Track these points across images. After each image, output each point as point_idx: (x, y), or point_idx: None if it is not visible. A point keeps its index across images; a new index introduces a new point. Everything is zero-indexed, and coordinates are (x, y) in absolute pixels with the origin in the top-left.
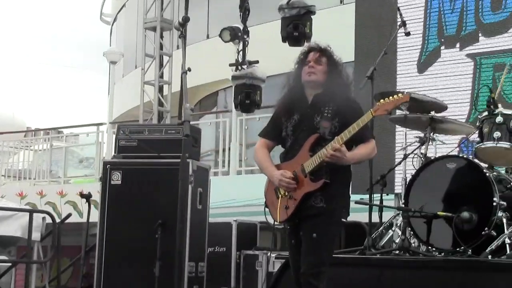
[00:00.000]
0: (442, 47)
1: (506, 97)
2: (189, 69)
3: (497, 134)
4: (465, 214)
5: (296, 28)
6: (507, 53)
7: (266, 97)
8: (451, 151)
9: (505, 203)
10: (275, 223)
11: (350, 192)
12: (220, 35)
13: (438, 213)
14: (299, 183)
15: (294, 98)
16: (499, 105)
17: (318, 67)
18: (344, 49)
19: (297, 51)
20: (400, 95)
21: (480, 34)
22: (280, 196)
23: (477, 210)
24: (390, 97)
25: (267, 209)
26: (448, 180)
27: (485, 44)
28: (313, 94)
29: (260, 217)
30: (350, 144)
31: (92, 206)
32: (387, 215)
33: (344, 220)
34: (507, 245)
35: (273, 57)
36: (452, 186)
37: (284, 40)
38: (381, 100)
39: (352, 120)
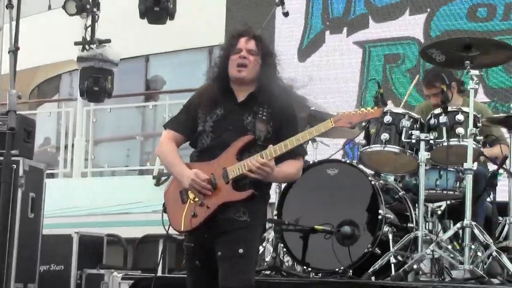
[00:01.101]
0: (327, 32)
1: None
2: (18, 48)
3: (385, 136)
4: (347, 229)
5: (157, 2)
6: (399, 41)
7: (119, 85)
8: (333, 155)
9: (392, 216)
10: (170, 232)
11: None
12: (64, 7)
13: (316, 227)
14: (216, 189)
15: (218, 89)
16: (389, 103)
17: (251, 57)
18: (215, 30)
19: (159, 30)
20: (369, 108)
21: (370, 19)
22: (187, 200)
23: (360, 224)
24: (357, 109)
25: (165, 215)
26: (328, 189)
27: (375, 30)
28: (245, 91)
29: (108, 229)
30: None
31: None
32: None
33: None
34: (392, 265)
35: (129, 36)
36: (333, 195)
37: (142, 16)
38: (345, 112)
39: (285, 128)
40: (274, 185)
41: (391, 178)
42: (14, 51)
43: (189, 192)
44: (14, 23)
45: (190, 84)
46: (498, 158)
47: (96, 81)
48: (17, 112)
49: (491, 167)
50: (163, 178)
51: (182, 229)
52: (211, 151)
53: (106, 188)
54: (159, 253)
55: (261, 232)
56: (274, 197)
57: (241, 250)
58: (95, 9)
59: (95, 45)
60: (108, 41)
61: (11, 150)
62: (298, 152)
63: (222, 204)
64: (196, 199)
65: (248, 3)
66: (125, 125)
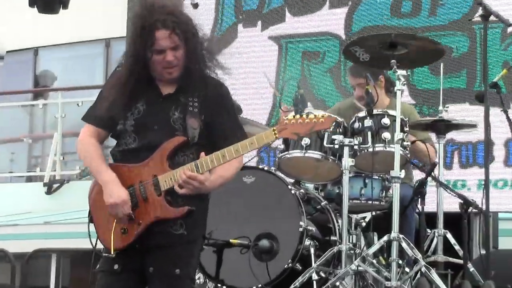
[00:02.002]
0: (240, 25)
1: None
2: None
3: (305, 141)
4: (265, 242)
5: None
6: (318, 37)
7: (5, 80)
8: (249, 161)
9: (313, 228)
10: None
11: None
12: None
13: (231, 240)
14: (147, 202)
15: (136, 79)
16: (309, 104)
17: (177, 54)
18: (113, 21)
19: (49, 19)
20: (319, 116)
21: (287, 12)
22: None
23: (279, 237)
24: (304, 116)
25: (92, 227)
26: (244, 198)
27: (292, 24)
28: (173, 83)
29: None
30: (209, 148)
31: None
32: None
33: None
34: (314, 282)
35: (16, 26)
36: (250, 206)
37: (31, 4)
38: (291, 117)
39: (220, 117)
40: None
41: (311, 187)
42: None
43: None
44: None
45: (85, 81)
46: (423, 153)
47: None
48: None
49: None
50: (55, 186)
51: (113, 248)
52: (136, 154)
53: None
54: (53, 270)
55: (201, 245)
56: None
57: (177, 271)
58: None
59: None
60: None
61: None
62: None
63: (155, 221)
64: None
65: None
66: (10, 126)
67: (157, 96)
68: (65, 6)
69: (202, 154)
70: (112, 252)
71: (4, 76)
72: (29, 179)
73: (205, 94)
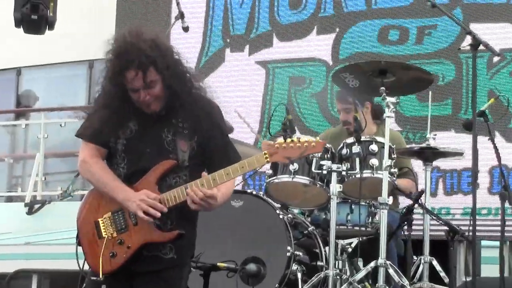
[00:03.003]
0: (227, 50)
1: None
2: None
3: (293, 166)
4: (252, 267)
5: (35, 9)
6: (305, 62)
7: None
8: (237, 185)
9: (301, 253)
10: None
11: None
12: None
13: (218, 264)
14: (137, 225)
15: (124, 99)
16: (297, 130)
17: (152, 91)
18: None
19: (32, 39)
20: (311, 141)
21: (274, 37)
22: (104, 236)
23: (267, 261)
24: (295, 139)
25: (80, 249)
26: (232, 222)
27: (279, 49)
28: (158, 105)
29: None
30: (202, 167)
31: None
32: None
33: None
34: None
35: (0, 46)
36: (237, 230)
37: (17, 25)
38: (281, 141)
39: (213, 140)
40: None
41: (297, 212)
42: None
43: (105, 225)
44: None
45: (67, 101)
46: (406, 191)
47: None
48: None
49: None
50: (36, 206)
51: (101, 273)
52: (127, 179)
53: None
54: None
55: (189, 267)
56: None
57: None
58: None
59: None
60: None
61: None
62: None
63: (144, 245)
64: (115, 235)
65: (142, 15)
66: None
67: (149, 117)
68: (51, 27)
69: (204, 173)
70: (100, 276)
71: None
72: (10, 199)
73: (196, 115)
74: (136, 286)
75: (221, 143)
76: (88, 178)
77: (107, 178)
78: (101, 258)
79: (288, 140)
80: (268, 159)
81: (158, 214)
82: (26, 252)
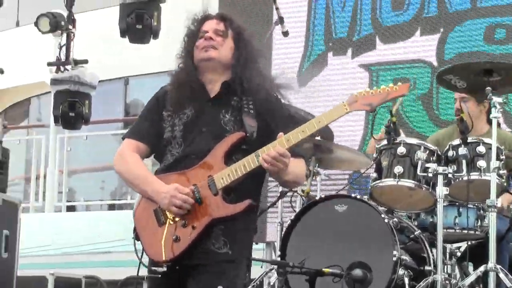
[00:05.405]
0: (330, 53)
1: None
2: (2, 71)
3: (398, 169)
4: (358, 272)
5: (140, 19)
6: (409, 64)
7: (96, 109)
8: (341, 190)
9: (407, 258)
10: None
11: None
12: (36, 24)
13: (324, 269)
14: (202, 204)
15: (184, 86)
16: (401, 132)
17: (218, 38)
18: None
19: (139, 49)
20: (392, 85)
21: (377, 39)
22: (165, 221)
23: (372, 266)
24: (376, 88)
25: (138, 243)
26: (336, 227)
27: (383, 52)
28: (218, 81)
29: (86, 270)
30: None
31: None
32: (256, 272)
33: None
34: None
35: (108, 56)
36: (342, 235)
37: (123, 35)
38: (362, 91)
39: (274, 125)
40: (273, 223)
41: (403, 216)
42: None
43: (167, 211)
44: None
45: None
46: None
47: (72, 106)
48: None
49: None
50: None
51: (164, 259)
52: (184, 162)
53: (83, 223)
54: None
55: (246, 268)
56: (276, 236)
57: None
58: (70, 27)
59: (70, 66)
60: (85, 61)
61: None
62: (298, 152)
63: (212, 221)
64: (177, 219)
65: (243, 20)
66: (101, 154)
67: (205, 100)
68: (156, 36)
69: (281, 133)
70: (163, 258)
71: (96, 105)
72: (120, 207)
73: (257, 99)
74: (189, 281)
75: (282, 120)
76: (120, 171)
77: (139, 170)
78: (163, 244)
79: (367, 89)
80: (347, 108)
81: (188, 207)
82: (137, 259)
